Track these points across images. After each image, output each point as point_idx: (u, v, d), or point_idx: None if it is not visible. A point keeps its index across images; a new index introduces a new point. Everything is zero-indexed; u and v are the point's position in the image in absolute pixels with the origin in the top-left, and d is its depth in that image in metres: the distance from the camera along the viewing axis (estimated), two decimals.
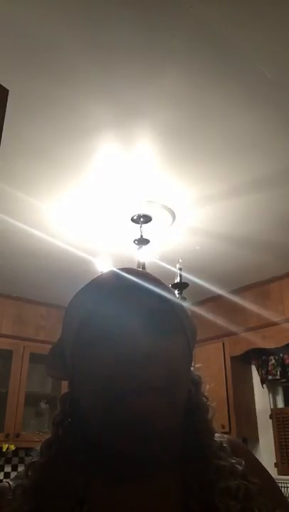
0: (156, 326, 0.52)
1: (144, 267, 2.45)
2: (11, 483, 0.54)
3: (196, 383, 0.60)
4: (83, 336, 0.53)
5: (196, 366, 0.60)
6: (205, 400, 0.60)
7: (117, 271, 0.58)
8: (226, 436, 0.62)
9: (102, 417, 0.50)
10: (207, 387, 0.62)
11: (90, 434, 0.54)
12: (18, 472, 0.60)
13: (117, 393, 0.48)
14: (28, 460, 0.57)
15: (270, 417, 3.50)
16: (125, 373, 0.48)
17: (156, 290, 0.55)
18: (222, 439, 0.60)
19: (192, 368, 0.60)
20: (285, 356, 3.36)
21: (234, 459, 0.56)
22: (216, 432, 0.60)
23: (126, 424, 0.48)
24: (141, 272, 0.60)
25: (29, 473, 0.53)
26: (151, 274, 0.60)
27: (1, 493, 0.53)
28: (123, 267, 0.60)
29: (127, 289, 0.54)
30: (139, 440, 0.48)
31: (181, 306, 0.58)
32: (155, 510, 0.51)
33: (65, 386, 0.60)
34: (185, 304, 0.60)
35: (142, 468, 0.52)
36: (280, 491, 0.65)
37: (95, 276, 0.60)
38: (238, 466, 0.55)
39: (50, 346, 0.62)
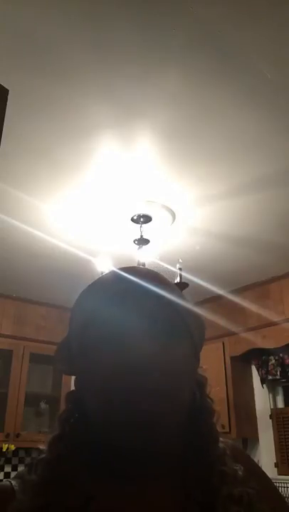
0: (158, 330, 0.52)
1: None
2: (13, 482, 0.54)
3: (201, 385, 0.60)
4: (86, 337, 0.54)
5: (201, 367, 0.60)
6: (210, 402, 0.60)
7: (121, 272, 0.57)
8: (223, 439, 0.62)
9: (103, 417, 0.51)
10: (212, 389, 0.61)
11: (93, 433, 0.55)
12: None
13: (116, 396, 0.49)
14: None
15: (270, 417, 3.49)
16: (125, 378, 0.48)
17: (161, 292, 0.54)
18: (223, 444, 0.59)
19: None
20: (285, 356, 3.36)
21: (236, 465, 0.56)
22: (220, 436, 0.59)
23: (126, 425, 0.48)
24: (147, 273, 0.59)
25: (38, 470, 0.53)
26: (158, 275, 0.59)
27: (4, 492, 0.53)
28: (129, 266, 0.60)
29: (130, 292, 0.54)
30: (138, 441, 0.49)
31: (187, 309, 0.57)
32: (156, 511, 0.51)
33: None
34: (192, 305, 0.59)
35: (143, 469, 0.52)
36: (281, 496, 0.65)
37: (96, 276, 0.60)
38: (240, 473, 0.55)
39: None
